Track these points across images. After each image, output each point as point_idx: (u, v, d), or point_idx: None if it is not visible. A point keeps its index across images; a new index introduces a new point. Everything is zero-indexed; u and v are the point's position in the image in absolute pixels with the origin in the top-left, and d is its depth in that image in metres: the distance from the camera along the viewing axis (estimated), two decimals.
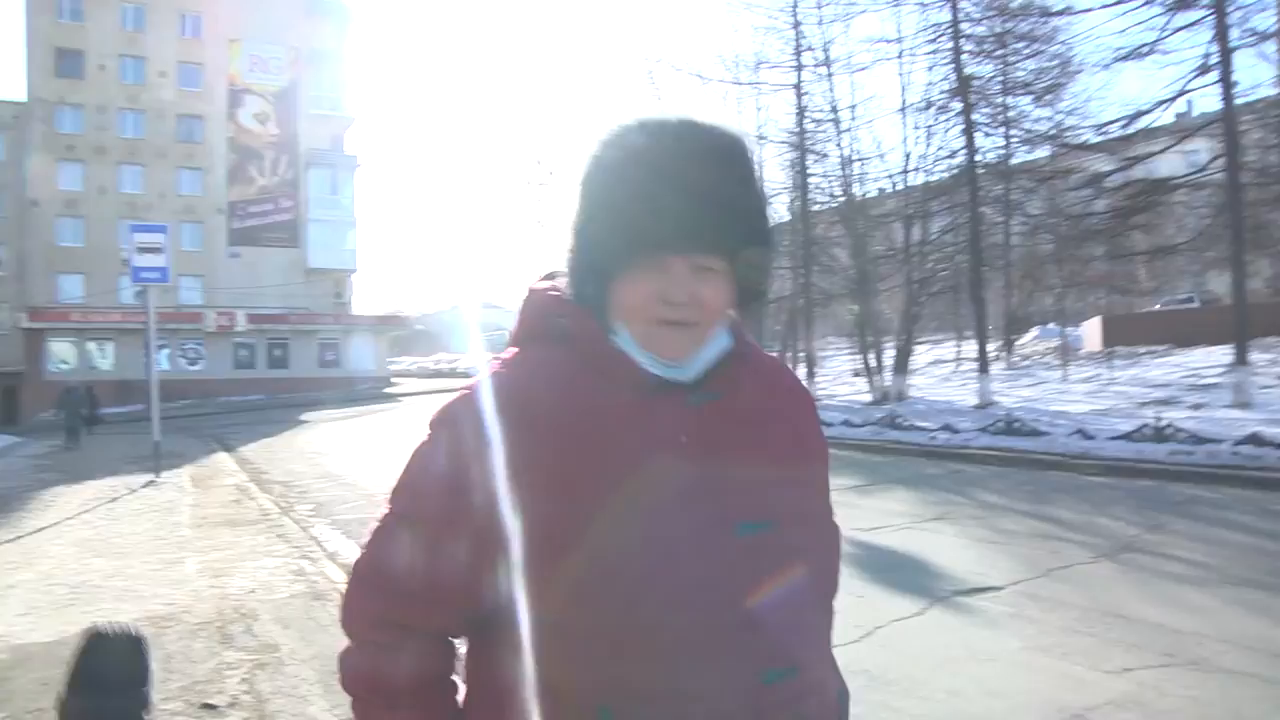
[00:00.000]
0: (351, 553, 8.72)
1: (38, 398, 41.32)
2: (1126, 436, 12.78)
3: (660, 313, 1.13)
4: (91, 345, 45.26)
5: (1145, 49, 16.73)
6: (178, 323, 45.31)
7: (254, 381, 47.38)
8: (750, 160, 1.20)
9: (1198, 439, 12.08)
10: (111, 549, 8.73)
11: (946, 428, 15.65)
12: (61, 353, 44.85)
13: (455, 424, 1.16)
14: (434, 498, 1.17)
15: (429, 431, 1.21)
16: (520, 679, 1.11)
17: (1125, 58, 17.14)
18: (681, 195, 1.10)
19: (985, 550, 7.64)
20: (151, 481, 14.04)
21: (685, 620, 1.08)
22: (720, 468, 1.13)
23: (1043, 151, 24.20)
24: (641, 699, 1.07)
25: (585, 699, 1.08)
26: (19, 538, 9.82)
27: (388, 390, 49.02)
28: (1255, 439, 11.51)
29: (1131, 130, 17.87)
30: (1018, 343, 33.46)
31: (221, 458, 18.43)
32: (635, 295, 1.14)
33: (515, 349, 1.24)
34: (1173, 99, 16.89)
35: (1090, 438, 13.15)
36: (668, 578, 1.08)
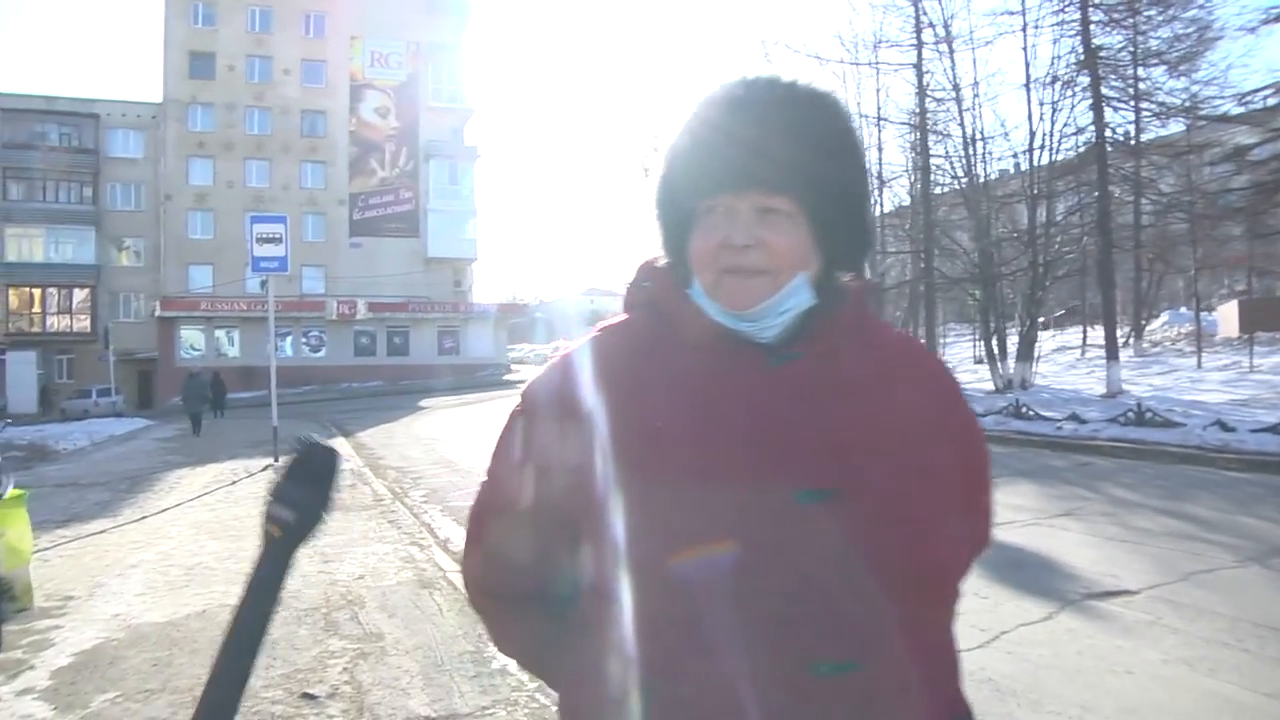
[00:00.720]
0: (462, 539, 8.76)
1: (170, 383, 42.97)
2: (1272, 429, 11.90)
3: (724, 259, 1.10)
4: (220, 333, 47.14)
5: None
6: (300, 311, 46.85)
7: (374, 368, 48.75)
8: (833, 111, 1.15)
9: None
10: (227, 531, 8.97)
11: (1073, 417, 14.87)
12: (191, 340, 46.89)
13: (529, 404, 1.21)
14: (507, 483, 1.22)
15: (509, 415, 1.26)
16: (590, 652, 1.13)
17: (1275, 19, 15.88)
18: (743, 132, 1.09)
19: (1117, 550, 7.13)
20: (270, 466, 14.43)
21: (728, 597, 1.03)
22: (790, 430, 1.08)
23: (1177, 126, 22.86)
24: (683, 680, 1.03)
25: (631, 676, 1.06)
26: (144, 517, 10.21)
27: (506, 377, 49.73)
28: None
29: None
30: (1147, 329, 31.81)
31: (339, 442, 18.76)
32: (701, 243, 1.12)
33: (615, 319, 1.25)
34: None
35: (1230, 430, 12.31)
36: (711, 546, 1.04)
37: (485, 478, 1.28)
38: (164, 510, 10.68)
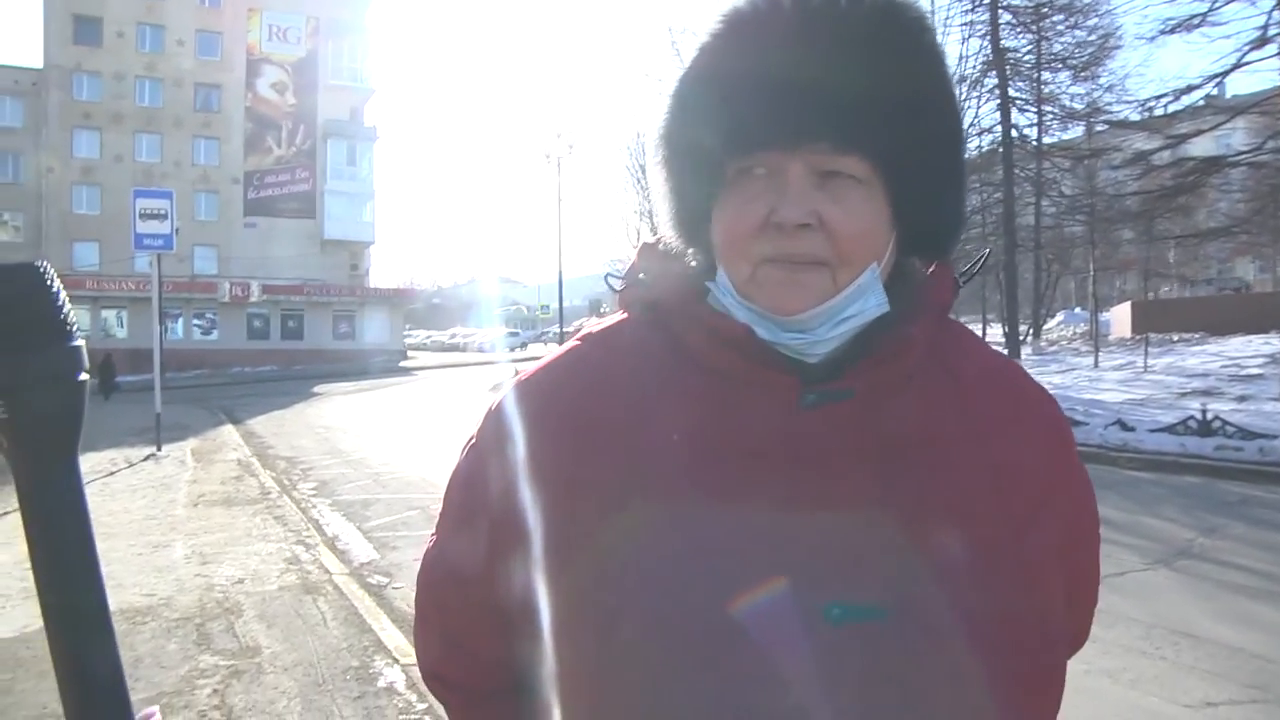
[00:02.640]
0: (350, 537, 8.29)
1: None
2: (1169, 429, 12.17)
3: (766, 244, 0.76)
4: (107, 314, 45.02)
5: (1196, 20, 15.94)
6: (192, 292, 45.17)
7: (267, 352, 47.20)
8: (920, 30, 0.79)
9: (1247, 433, 11.47)
10: (99, 529, 7.90)
11: None
12: (78, 321, 44.46)
13: (484, 441, 0.89)
14: (460, 548, 0.90)
15: (463, 450, 0.93)
16: None
17: (1172, 30, 16.35)
18: (795, 58, 0.74)
19: None
20: (152, 455, 13.63)
21: None
22: (824, 510, 0.75)
23: (1076, 130, 23.49)
24: None
25: None
26: (4, 514, 9.40)
27: (402, 364, 48.80)
28: None
29: (1180, 106, 17.13)
30: (1044, 328, 32.78)
31: (227, 430, 18.00)
32: (734, 220, 0.78)
33: (605, 323, 0.91)
34: (1226, 72, 16.11)
35: (1130, 429, 12.55)
36: (699, 675, 0.72)
37: (434, 535, 0.96)
38: None
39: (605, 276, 0.94)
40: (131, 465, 12.81)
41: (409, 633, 5.45)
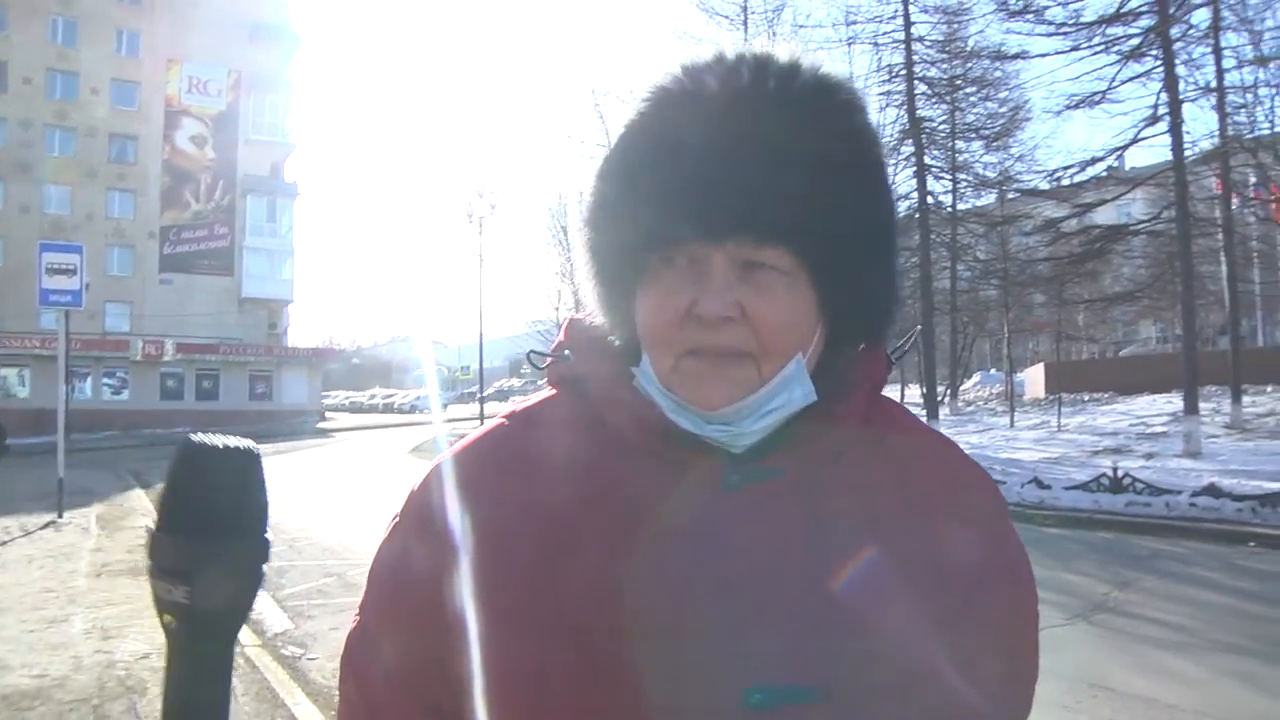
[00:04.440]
0: (263, 606, 7.98)
1: None
2: (1083, 486, 12.54)
3: (688, 336, 0.76)
4: (8, 371, 43.15)
5: (1097, 97, 16.86)
6: (102, 350, 43.47)
7: (181, 413, 45.46)
8: (851, 114, 0.80)
9: (1155, 490, 11.88)
10: None
11: None
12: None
13: (406, 520, 0.87)
14: (383, 632, 0.86)
15: (387, 528, 0.90)
16: None
17: (1077, 105, 17.24)
18: (719, 147, 0.74)
19: None
20: (52, 523, 12.94)
21: None
22: (746, 591, 0.73)
23: (989, 197, 24.37)
24: None
25: None
26: None
27: (320, 425, 47.77)
28: (1213, 490, 11.33)
29: (1085, 177, 17.96)
30: (961, 389, 33.55)
31: (136, 495, 17.30)
32: (656, 310, 0.78)
33: (531, 400, 0.91)
34: (1124, 146, 17.03)
35: (1046, 487, 12.87)
36: None
37: (357, 615, 0.91)
38: None
39: (528, 354, 0.93)
40: (28, 534, 12.15)
41: (324, 706, 5.25)
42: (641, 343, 0.81)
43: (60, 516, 13.26)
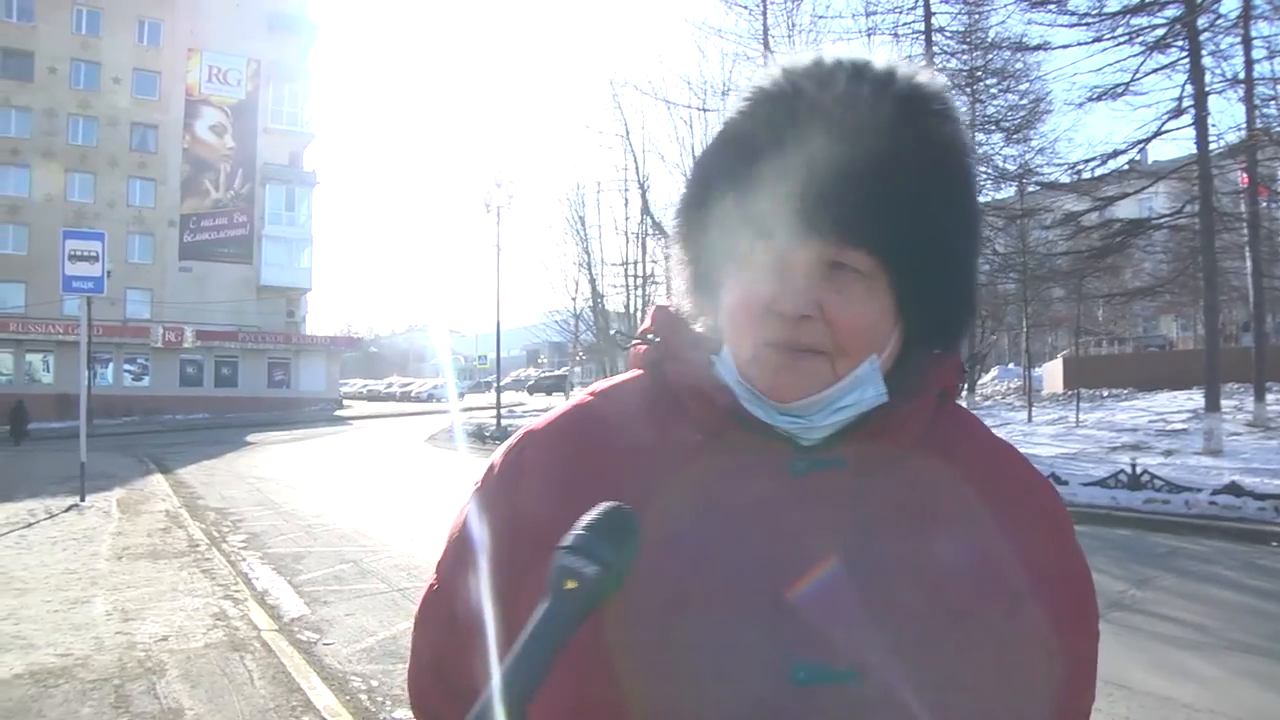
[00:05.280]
0: (281, 592, 8.05)
1: None
2: (1101, 483, 12.45)
3: (768, 329, 0.79)
4: (33, 357, 43.59)
5: (1120, 89, 16.66)
6: (123, 337, 43.94)
7: (200, 400, 46.00)
8: (945, 122, 0.83)
9: (1174, 487, 11.78)
10: (12, 584, 7.90)
11: None
12: (0, 364, 43.23)
13: (487, 489, 0.92)
14: (459, 592, 0.90)
15: (472, 494, 0.95)
16: None
17: (1099, 97, 17.04)
18: (809, 149, 0.76)
19: None
20: (75, 506, 13.09)
21: None
22: (802, 573, 0.76)
23: (1009, 190, 24.17)
24: None
25: None
26: None
27: (338, 413, 47.96)
28: (1234, 488, 11.23)
29: (1107, 170, 17.77)
30: (979, 383, 33.38)
31: (156, 480, 17.45)
32: (740, 300, 0.81)
33: (617, 380, 0.95)
34: (1147, 140, 16.83)
35: (1063, 483, 12.77)
36: None
37: (434, 575, 0.97)
38: None
39: (614, 333, 0.96)
40: (52, 516, 12.30)
41: (339, 691, 5.29)
42: (724, 329, 0.85)
43: (83, 500, 13.41)
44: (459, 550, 0.93)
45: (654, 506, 0.78)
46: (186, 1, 46.85)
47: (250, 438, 30.92)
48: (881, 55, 0.83)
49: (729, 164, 0.83)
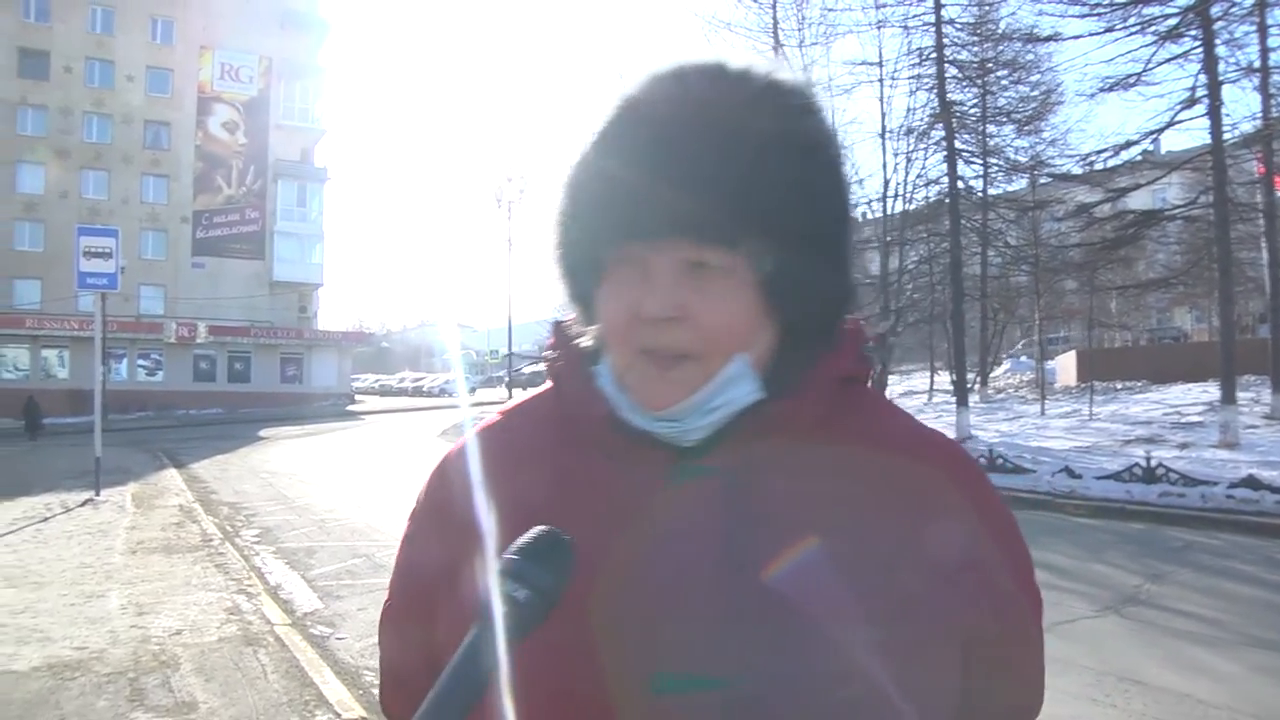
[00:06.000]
0: (294, 586, 8.08)
1: None
2: (1115, 476, 12.38)
3: (640, 337, 0.79)
4: (48, 353, 43.86)
5: (1132, 79, 16.52)
6: (137, 332, 44.20)
7: (214, 395, 46.18)
8: (800, 113, 0.82)
9: (1190, 480, 11.70)
10: (29, 578, 7.96)
11: None
12: (15, 359, 43.52)
13: (421, 498, 0.97)
14: (401, 594, 0.97)
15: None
16: None
17: (1110, 88, 16.89)
18: (662, 151, 0.77)
19: None
20: (90, 500, 13.19)
21: None
22: (667, 581, 0.77)
23: (1021, 182, 24.03)
24: None
25: None
26: None
27: (350, 408, 48.11)
28: (1251, 482, 11.14)
29: (1119, 161, 17.64)
30: (990, 376, 33.22)
31: (170, 475, 17.54)
32: (609, 313, 0.82)
33: (528, 396, 0.98)
34: (1160, 130, 16.69)
35: (1077, 476, 12.73)
36: None
37: (388, 591, 1.01)
38: None
39: (542, 354, 0.98)
40: (68, 510, 12.39)
41: (352, 685, 5.31)
42: (602, 340, 0.85)
43: (98, 494, 13.50)
44: (400, 572, 0.97)
45: (544, 521, 0.78)
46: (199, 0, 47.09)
47: (263, 433, 31.05)
48: (745, 58, 0.83)
49: (585, 174, 0.82)
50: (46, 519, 11.67)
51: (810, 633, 0.75)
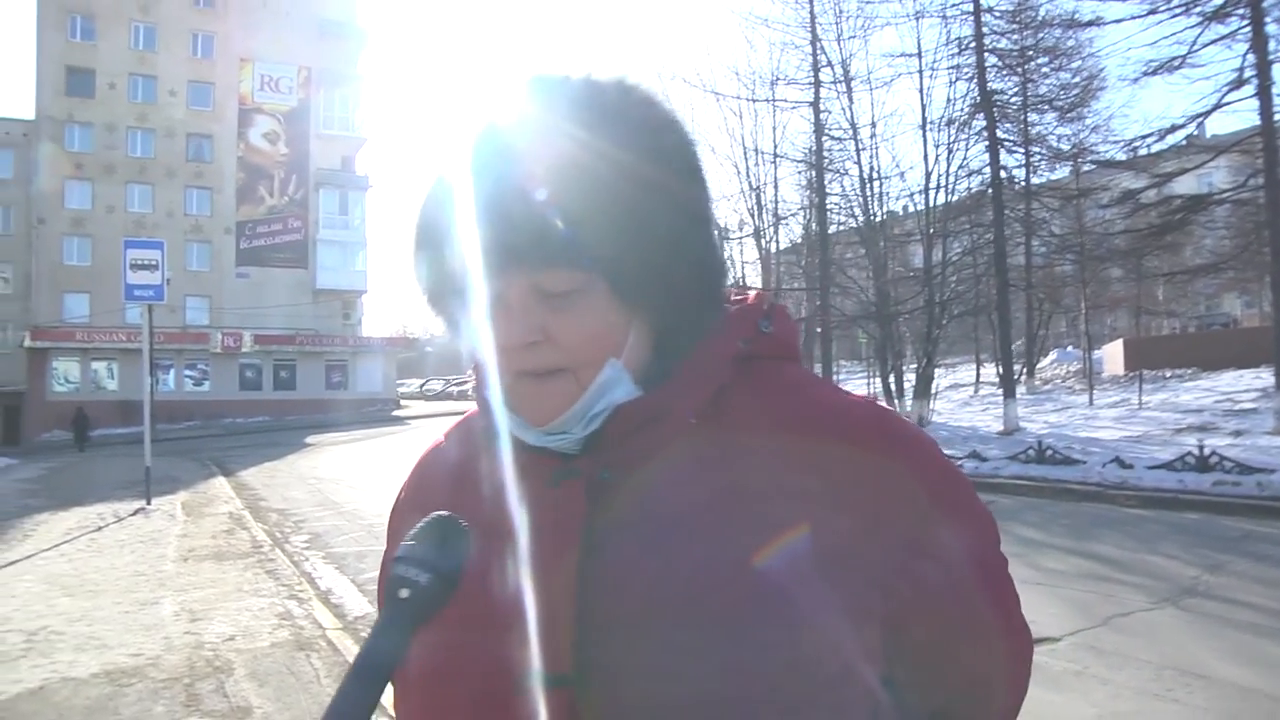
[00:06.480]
0: (344, 591, 8.14)
1: (40, 418, 41.69)
2: (1167, 466, 12.13)
3: (509, 362, 0.82)
4: (97, 365, 44.78)
5: (1177, 62, 16.19)
6: (183, 343, 44.96)
7: (260, 403, 46.91)
8: (637, 121, 0.82)
9: (1245, 468, 11.44)
10: (85, 586, 8.11)
11: (974, 455, 14.99)
12: (66, 371, 44.47)
13: (387, 535, 1.03)
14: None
15: None
16: None
17: (1154, 71, 16.57)
18: (492, 183, 0.77)
19: (1031, 593, 6.87)
20: (142, 509, 13.43)
21: None
22: (542, 583, 0.80)
23: (1064, 170, 23.69)
24: None
25: None
26: (10, 564, 9.25)
27: (396, 413, 48.53)
28: None
29: (1164, 146, 17.30)
30: (1037, 367, 32.77)
31: (219, 483, 17.83)
32: (479, 341, 0.83)
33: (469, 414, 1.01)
34: (1206, 113, 16.34)
35: (1128, 466, 12.50)
36: None
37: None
38: (12, 563, 9.67)
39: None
40: (120, 520, 12.62)
41: None
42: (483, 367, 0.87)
43: (149, 503, 13.74)
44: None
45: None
46: (238, 13, 47.92)
47: (310, 439, 31.43)
48: (578, 67, 0.84)
49: (437, 212, 0.82)
50: (100, 528, 11.89)
51: (660, 628, 0.75)
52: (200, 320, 46.70)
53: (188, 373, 46.43)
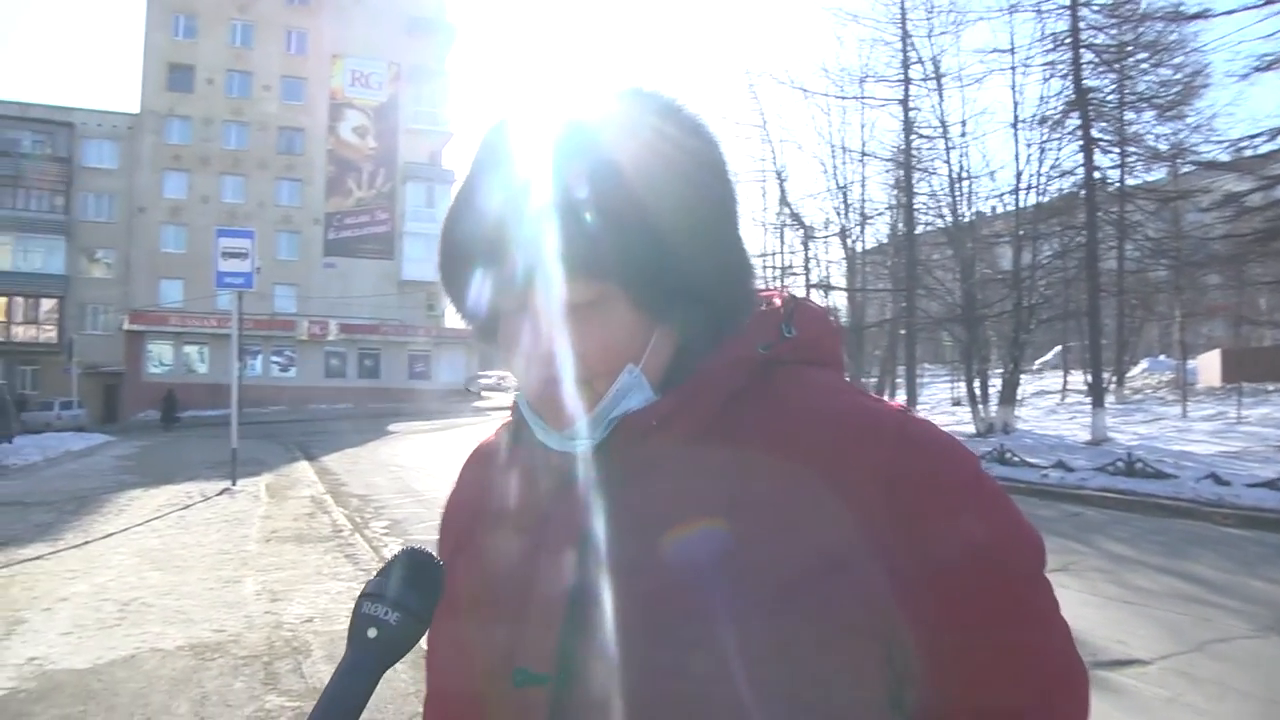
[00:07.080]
0: None
1: (137, 398, 43.57)
2: (1270, 484, 11.57)
3: (533, 372, 0.84)
4: (190, 349, 46.43)
5: None
6: (271, 330, 46.40)
7: (344, 390, 48.07)
8: (656, 135, 0.83)
9: None
10: (173, 562, 8.36)
11: (1060, 465, 14.51)
12: (160, 354, 46.18)
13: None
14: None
15: None
16: None
17: (1267, 67, 15.74)
18: (502, 204, 0.80)
19: (1120, 612, 6.68)
20: (227, 489, 13.82)
21: None
22: (539, 581, 0.83)
23: (1161, 172, 22.84)
24: None
25: None
26: (86, 543, 9.60)
27: (477, 404, 49.15)
28: None
29: (1274, 146, 16.45)
30: (1127, 375, 31.73)
31: (302, 466, 18.25)
32: (504, 356, 0.88)
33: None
34: None
35: (1225, 483, 11.96)
36: None
37: None
38: (109, 535, 10.05)
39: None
40: (206, 499, 13.00)
41: None
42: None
43: (234, 484, 14.13)
44: None
45: (486, 526, 0.91)
46: (330, 10, 49.14)
47: (392, 427, 32.01)
48: (594, 92, 0.87)
49: (463, 227, 0.85)
50: (188, 506, 12.26)
51: (652, 631, 0.76)
52: (288, 308, 48.04)
53: (274, 359, 47.88)
